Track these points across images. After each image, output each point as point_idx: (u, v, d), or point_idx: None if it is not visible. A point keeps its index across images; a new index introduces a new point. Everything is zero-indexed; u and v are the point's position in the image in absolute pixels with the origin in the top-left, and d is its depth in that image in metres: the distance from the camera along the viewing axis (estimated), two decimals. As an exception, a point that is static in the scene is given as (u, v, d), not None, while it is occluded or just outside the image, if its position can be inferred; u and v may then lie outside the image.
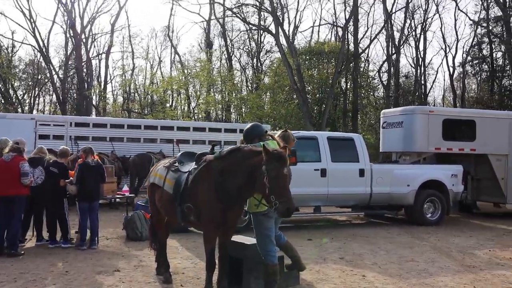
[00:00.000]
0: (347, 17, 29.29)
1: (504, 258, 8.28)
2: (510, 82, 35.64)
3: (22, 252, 8.07)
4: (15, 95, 41.35)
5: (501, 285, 6.53)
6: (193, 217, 5.56)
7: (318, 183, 10.96)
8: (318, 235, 10.25)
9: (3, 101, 38.38)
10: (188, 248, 8.66)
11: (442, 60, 64.65)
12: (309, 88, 31.91)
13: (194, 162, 5.75)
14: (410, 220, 12.22)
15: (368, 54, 37.56)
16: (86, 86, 34.50)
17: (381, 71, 37.74)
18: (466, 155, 13.55)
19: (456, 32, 48.51)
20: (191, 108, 34.26)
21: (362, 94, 32.62)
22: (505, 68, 35.38)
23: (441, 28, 48.23)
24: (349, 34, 31.48)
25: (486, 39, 36.47)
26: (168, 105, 33.69)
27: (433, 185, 12.24)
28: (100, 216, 9.76)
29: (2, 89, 38.30)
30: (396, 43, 36.79)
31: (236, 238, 6.26)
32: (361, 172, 11.49)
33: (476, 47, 37.26)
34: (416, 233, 10.83)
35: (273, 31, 27.45)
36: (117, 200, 12.27)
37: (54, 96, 39.28)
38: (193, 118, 30.99)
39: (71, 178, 8.87)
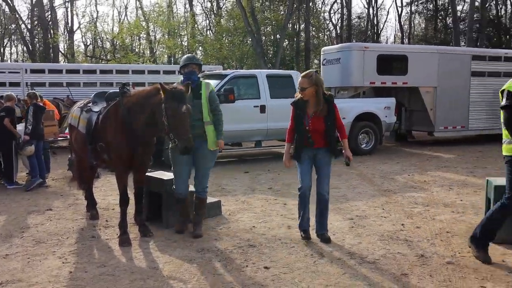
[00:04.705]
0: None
1: (419, 181, 8.29)
2: (451, 20, 35.38)
3: None
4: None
5: (407, 205, 6.51)
6: (106, 156, 5.24)
7: (258, 119, 10.69)
8: (256, 168, 10.09)
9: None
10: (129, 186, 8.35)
11: (393, 0, 63.78)
12: (267, 29, 30.93)
13: (105, 102, 5.35)
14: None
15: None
16: (51, 34, 32.75)
17: (331, 12, 36.84)
18: (401, 88, 13.41)
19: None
20: (154, 52, 32.95)
21: (314, 34, 31.83)
22: (448, 7, 35.02)
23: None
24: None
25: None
26: (134, 50, 32.41)
27: (367, 117, 12.14)
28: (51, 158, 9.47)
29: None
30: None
31: (155, 174, 5.99)
32: (299, 107, 11.24)
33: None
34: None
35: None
36: (60, 143, 11.73)
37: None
38: (156, 62, 29.87)
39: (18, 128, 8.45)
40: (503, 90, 4.33)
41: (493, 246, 4.76)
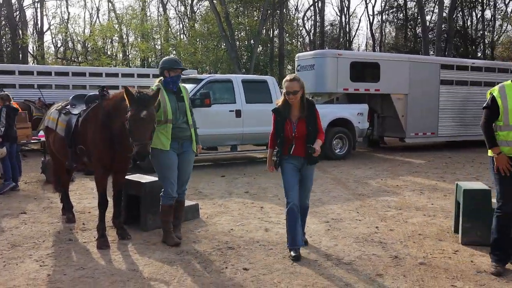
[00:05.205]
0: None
1: (392, 186, 8.54)
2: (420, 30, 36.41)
3: None
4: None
5: (381, 209, 6.70)
6: (86, 159, 5.22)
7: (233, 123, 10.78)
8: (233, 172, 10.17)
9: None
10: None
11: (365, 9, 65.01)
12: (242, 34, 31.13)
13: (84, 104, 5.35)
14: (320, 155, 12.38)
15: (297, 4, 37.08)
16: (21, 35, 32.03)
17: (305, 19, 37.39)
18: (373, 95, 13.74)
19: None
20: (127, 55, 32.65)
21: (288, 40, 32.21)
22: (417, 17, 36.03)
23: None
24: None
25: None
26: (106, 53, 32.01)
27: (341, 122, 12.40)
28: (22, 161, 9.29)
29: None
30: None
31: (134, 177, 6.00)
32: (275, 112, 11.38)
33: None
34: (324, 167, 10.96)
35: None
36: (31, 146, 11.52)
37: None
38: (129, 65, 29.58)
39: None
40: (490, 92, 4.29)
41: (462, 248, 4.98)
